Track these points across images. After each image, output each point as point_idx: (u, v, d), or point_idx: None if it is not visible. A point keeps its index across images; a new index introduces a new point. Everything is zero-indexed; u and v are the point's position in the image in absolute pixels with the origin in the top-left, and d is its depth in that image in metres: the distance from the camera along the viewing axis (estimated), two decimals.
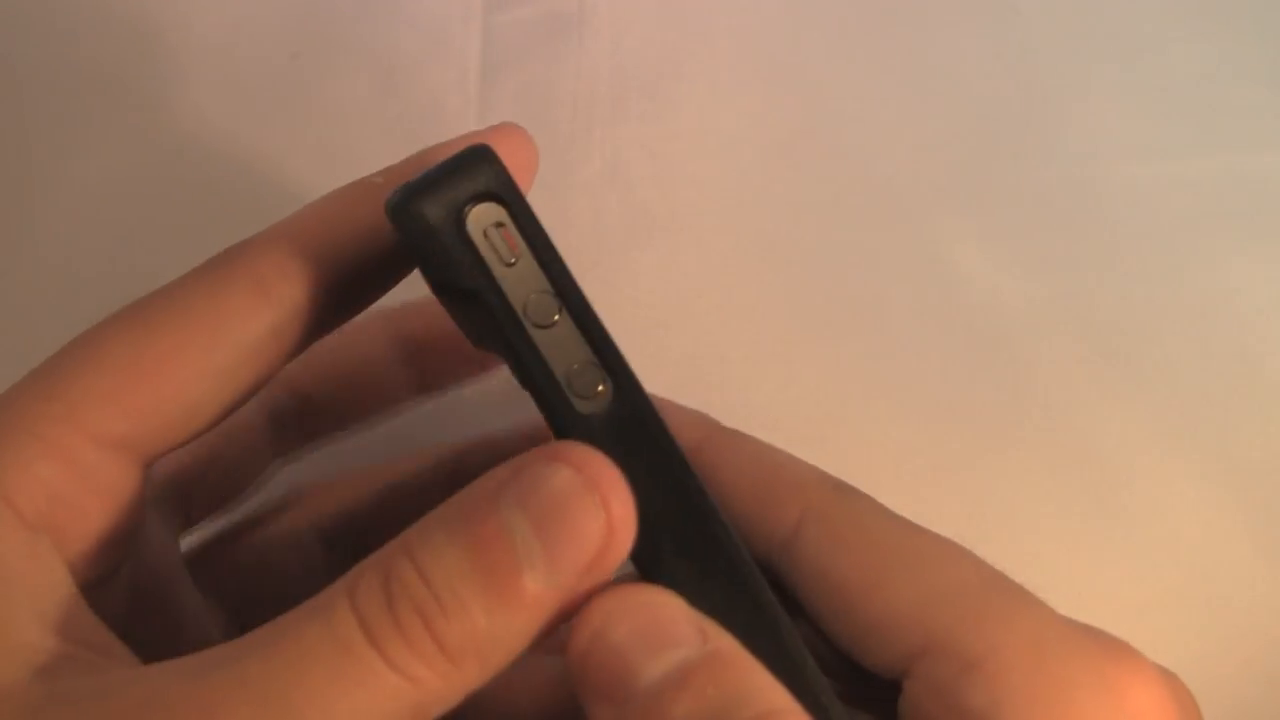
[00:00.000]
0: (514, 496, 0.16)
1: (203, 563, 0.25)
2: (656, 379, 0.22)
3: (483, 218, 0.20)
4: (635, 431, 0.20)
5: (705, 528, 0.20)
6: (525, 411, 0.20)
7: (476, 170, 0.20)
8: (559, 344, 0.20)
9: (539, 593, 0.16)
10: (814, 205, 0.36)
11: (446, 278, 0.20)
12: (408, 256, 0.22)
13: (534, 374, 0.20)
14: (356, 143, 0.37)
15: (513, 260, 0.20)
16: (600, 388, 0.20)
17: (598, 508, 0.16)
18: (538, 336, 0.20)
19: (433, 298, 0.21)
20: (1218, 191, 0.37)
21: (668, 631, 0.17)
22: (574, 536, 0.16)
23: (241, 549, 0.26)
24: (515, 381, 0.20)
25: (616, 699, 0.17)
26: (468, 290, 0.20)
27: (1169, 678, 0.20)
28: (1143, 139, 0.37)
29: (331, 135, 0.37)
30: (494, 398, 0.30)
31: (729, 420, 0.25)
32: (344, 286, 0.21)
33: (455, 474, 0.27)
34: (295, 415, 0.26)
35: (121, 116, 0.37)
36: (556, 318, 0.20)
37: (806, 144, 0.37)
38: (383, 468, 0.28)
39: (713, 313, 0.35)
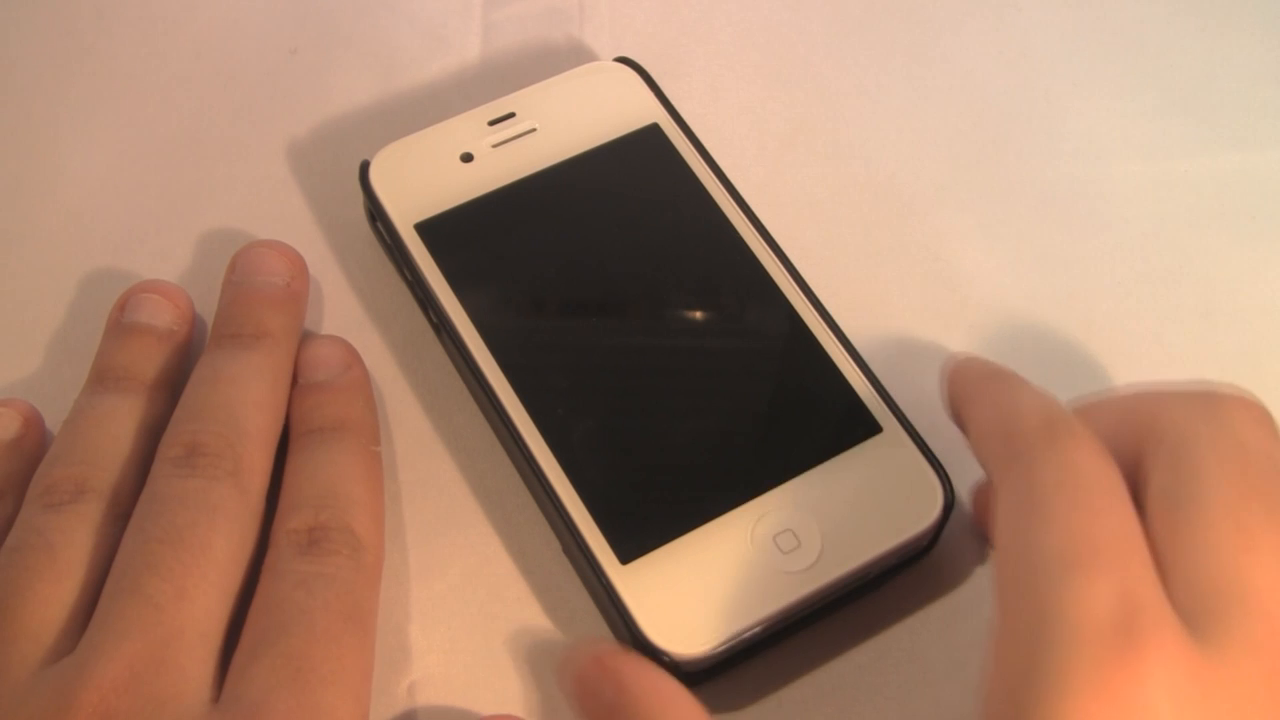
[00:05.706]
0: None
1: None
2: None
3: None
4: None
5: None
6: None
7: None
8: None
9: None
10: (814, 202, 0.36)
11: None
12: None
13: None
14: (355, 138, 0.37)
15: None
16: None
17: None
18: None
19: None
20: (1220, 189, 0.36)
21: None
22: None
23: None
24: None
25: None
26: None
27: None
28: (1145, 136, 0.37)
29: (330, 130, 0.37)
30: None
31: None
32: None
33: None
34: None
35: (120, 110, 0.37)
36: None
37: (807, 141, 0.37)
38: None
39: None
